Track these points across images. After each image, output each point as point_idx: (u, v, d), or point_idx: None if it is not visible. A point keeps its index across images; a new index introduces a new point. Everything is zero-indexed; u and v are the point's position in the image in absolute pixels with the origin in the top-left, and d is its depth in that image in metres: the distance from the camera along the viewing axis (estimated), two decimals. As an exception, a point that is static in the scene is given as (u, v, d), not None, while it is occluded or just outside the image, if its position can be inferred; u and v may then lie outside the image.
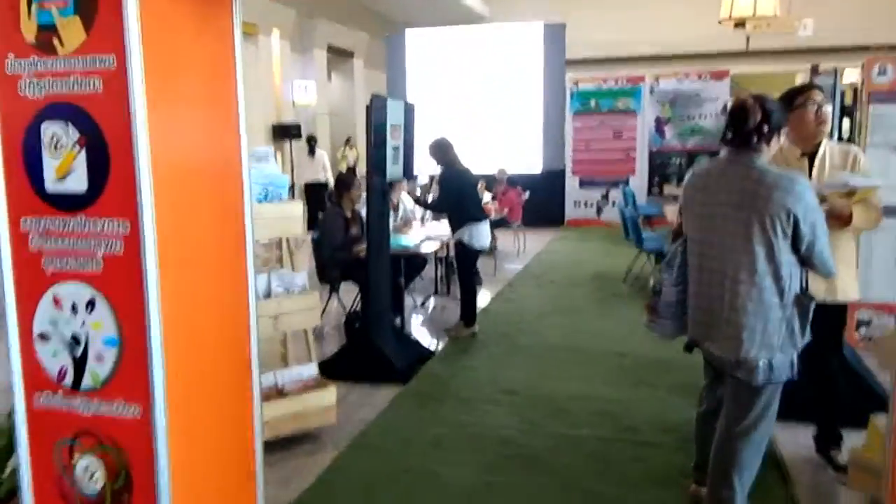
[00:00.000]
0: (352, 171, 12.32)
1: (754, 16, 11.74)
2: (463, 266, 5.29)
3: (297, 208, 3.49)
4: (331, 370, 4.20)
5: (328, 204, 5.66)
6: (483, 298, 6.12)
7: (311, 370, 3.57)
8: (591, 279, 7.30)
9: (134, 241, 1.74)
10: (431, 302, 6.48)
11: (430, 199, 6.04)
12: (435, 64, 11.71)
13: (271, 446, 3.28)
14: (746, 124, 2.34)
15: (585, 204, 11.50)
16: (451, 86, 11.49)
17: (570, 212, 11.49)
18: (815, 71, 20.96)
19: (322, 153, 11.98)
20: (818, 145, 2.90)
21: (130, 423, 1.81)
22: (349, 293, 5.67)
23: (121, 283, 1.77)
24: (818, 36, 14.61)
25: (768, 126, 2.34)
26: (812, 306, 2.38)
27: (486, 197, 8.11)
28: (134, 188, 1.71)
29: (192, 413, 1.93)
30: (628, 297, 6.45)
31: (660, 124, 11.01)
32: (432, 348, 5.03)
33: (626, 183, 10.96)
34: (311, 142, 11.83)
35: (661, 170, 11.07)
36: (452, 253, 5.88)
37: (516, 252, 8.74)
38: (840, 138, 6.51)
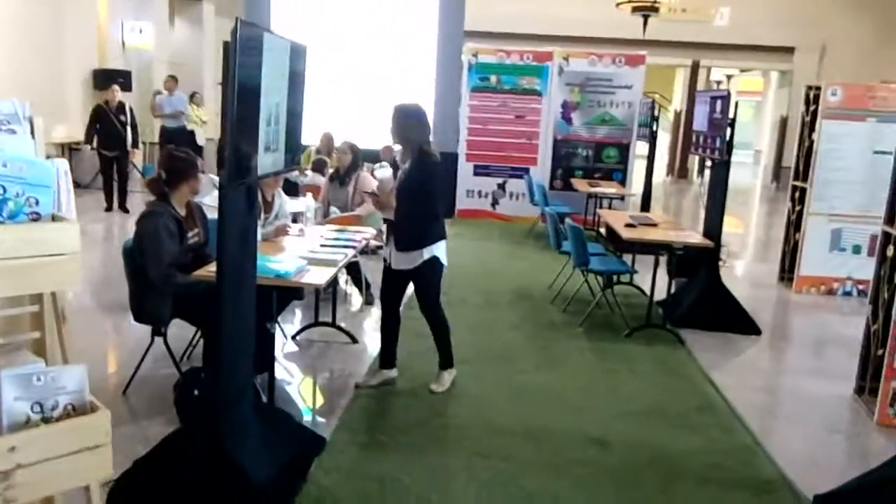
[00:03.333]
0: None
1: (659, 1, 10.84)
2: (434, 292, 3.82)
3: (69, 234, 1.59)
4: (145, 483, 2.37)
5: (153, 203, 3.55)
6: (376, 328, 4.30)
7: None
8: (510, 298, 5.80)
9: None
10: (301, 335, 4.65)
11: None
12: (307, 18, 9.60)
13: None
14: None
15: (480, 194, 10.02)
16: (327, 46, 9.45)
17: (462, 202, 9.98)
18: (695, 67, 20.59)
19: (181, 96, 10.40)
20: None
21: None
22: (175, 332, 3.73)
23: None
24: (707, 31, 14.09)
25: None
26: None
27: (373, 183, 6.28)
28: None
29: None
30: (567, 330, 5.01)
31: (567, 110, 9.70)
32: (317, 425, 3.28)
33: (527, 172, 9.61)
34: (194, 96, 10.81)
35: (565, 161, 9.80)
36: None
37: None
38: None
